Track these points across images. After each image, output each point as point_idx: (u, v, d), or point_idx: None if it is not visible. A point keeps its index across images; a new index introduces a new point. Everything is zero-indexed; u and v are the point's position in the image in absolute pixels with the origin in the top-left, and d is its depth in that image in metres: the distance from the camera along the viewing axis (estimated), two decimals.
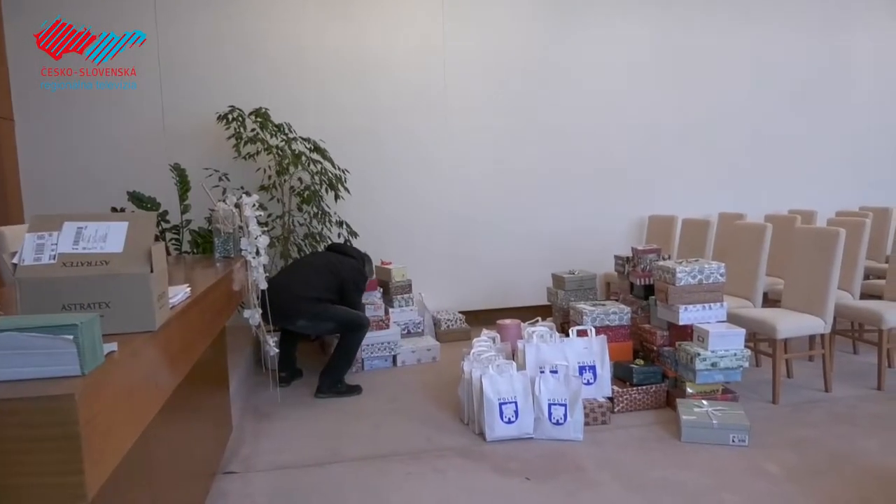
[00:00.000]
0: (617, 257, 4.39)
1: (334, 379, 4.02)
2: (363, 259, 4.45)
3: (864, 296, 4.52)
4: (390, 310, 4.80)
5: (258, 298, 3.43)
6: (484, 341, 3.82)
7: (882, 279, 4.54)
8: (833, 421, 3.41)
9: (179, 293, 1.92)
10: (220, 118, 4.70)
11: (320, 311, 4.00)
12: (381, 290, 4.89)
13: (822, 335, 3.82)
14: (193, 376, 2.08)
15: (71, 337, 1.16)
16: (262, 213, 3.89)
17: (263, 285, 3.39)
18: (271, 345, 3.62)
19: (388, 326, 4.62)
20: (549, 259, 5.49)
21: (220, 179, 4.65)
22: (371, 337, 4.45)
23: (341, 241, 4.98)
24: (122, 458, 1.28)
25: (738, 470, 2.88)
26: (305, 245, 4.87)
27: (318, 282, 4.08)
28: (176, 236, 4.47)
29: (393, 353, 4.60)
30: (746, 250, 4.28)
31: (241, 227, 3.27)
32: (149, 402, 1.49)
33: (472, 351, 3.65)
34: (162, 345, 1.59)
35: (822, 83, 6.21)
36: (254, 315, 3.42)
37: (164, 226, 4.41)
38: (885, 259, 5.05)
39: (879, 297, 4.25)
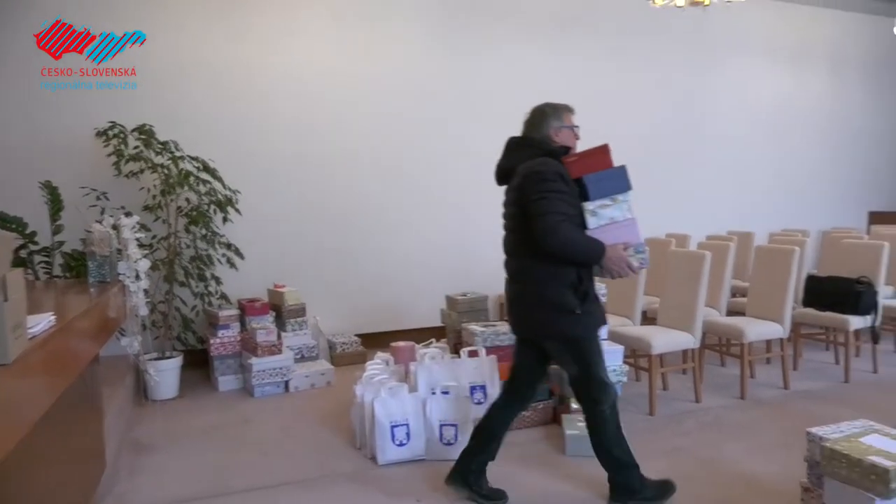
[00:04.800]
0: None
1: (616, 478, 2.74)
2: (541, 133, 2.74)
3: (731, 312, 4.92)
4: (283, 334, 4.69)
5: (140, 325, 3.27)
6: (377, 364, 3.81)
7: (746, 297, 4.95)
8: (702, 429, 3.67)
9: (42, 322, 1.81)
10: (98, 134, 4.46)
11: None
12: (274, 314, 4.78)
13: (693, 349, 4.11)
14: (58, 410, 1.94)
15: None
16: (143, 235, 3.73)
17: (143, 311, 3.23)
18: (152, 374, 3.45)
19: (280, 351, 4.50)
20: (445, 281, 5.55)
21: (99, 199, 4.39)
22: (262, 363, 4.34)
23: (229, 263, 4.78)
24: None
25: None
26: (192, 268, 4.66)
27: (518, 248, 2.77)
28: (46, 259, 4.16)
29: (285, 378, 4.48)
30: None
31: (119, 250, 3.12)
32: (0, 440, 1.39)
33: (365, 374, 3.64)
34: (17, 378, 1.49)
35: (679, 117, 6.79)
36: (132, 343, 3.25)
37: (33, 248, 4.10)
38: (748, 279, 5.50)
39: (743, 314, 4.64)
